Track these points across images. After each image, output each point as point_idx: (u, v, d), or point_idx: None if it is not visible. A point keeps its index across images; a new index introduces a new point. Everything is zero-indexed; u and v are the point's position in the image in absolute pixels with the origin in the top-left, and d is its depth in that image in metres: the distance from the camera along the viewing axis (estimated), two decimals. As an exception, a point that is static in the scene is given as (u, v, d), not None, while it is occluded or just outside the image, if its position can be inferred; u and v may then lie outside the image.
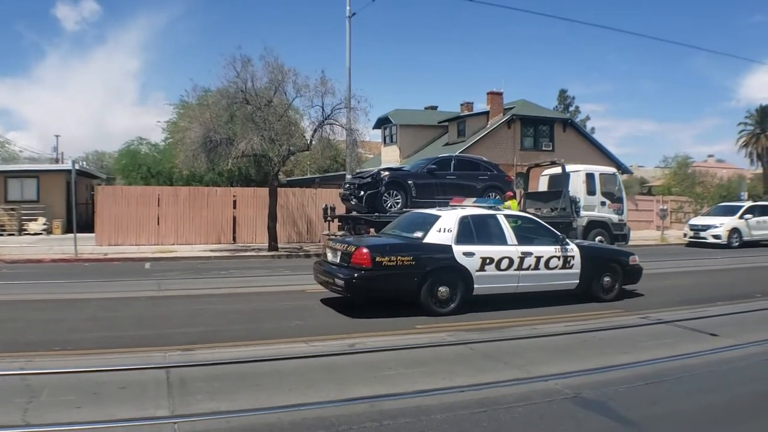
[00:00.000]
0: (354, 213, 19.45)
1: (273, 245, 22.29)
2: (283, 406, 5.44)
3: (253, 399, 5.63)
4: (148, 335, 8.48)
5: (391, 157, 40.59)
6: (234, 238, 25.42)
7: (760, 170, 63.88)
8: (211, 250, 22.06)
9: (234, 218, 25.67)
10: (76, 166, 21.80)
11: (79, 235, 20.43)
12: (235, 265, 18.40)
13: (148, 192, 25.42)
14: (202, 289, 13.25)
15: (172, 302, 11.46)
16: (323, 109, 21.59)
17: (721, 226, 27.36)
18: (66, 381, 6.21)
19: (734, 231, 27.33)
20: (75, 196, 21.48)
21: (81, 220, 22.18)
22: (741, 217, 27.75)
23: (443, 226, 10.43)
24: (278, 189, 23.66)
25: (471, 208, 11.43)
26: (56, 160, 43.54)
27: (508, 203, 18.29)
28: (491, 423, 5.18)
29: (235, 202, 25.78)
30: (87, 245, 21.81)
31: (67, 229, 28.95)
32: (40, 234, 29.01)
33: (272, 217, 22.57)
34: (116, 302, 11.47)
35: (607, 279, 11.68)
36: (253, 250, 22.59)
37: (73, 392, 5.76)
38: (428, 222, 10.73)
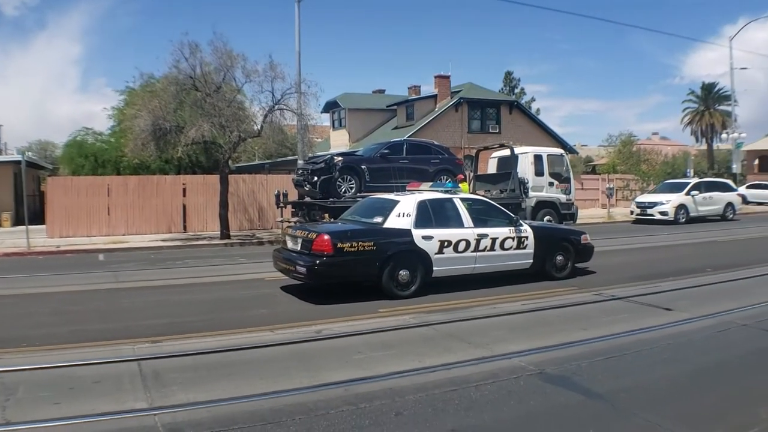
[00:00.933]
0: (308, 199, 19.46)
1: (225, 233, 22.11)
2: (260, 394, 5.53)
3: (229, 388, 5.70)
4: (114, 328, 8.42)
5: (340, 141, 40.56)
6: (185, 227, 25.13)
7: (704, 147, 65.83)
8: (163, 240, 21.78)
9: (184, 206, 25.35)
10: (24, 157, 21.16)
11: (29, 227, 19.90)
12: (188, 255, 18.24)
13: (98, 182, 24.90)
14: (160, 280, 13.14)
15: (133, 294, 11.37)
16: (273, 94, 21.44)
17: (668, 202, 27.96)
18: (40, 377, 6.18)
19: (681, 207, 28.00)
20: (25, 187, 20.89)
21: (29, 212, 21.59)
22: (688, 194, 28.43)
23: (402, 211, 10.60)
24: (229, 176, 23.44)
25: (428, 193, 11.62)
26: (0, 151, 42.13)
27: (458, 186, 18.62)
28: (463, 401, 5.37)
29: (184, 190, 25.44)
30: (38, 237, 21.29)
31: (16, 222, 28.25)
32: (-10, 227, 28.18)
33: (223, 205, 22.37)
34: (77, 295, 11.33)
35: (559, 258, 12.05)
36: (205, 238, 22.38)
37: (49, 388, 5.74)
38: (387, 207, 10.88)
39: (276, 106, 21.61)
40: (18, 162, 23.59)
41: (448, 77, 38.57)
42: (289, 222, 19.17)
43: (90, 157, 33.56)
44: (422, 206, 10.77)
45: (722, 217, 29.38)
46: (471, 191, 20.11)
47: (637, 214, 29.12)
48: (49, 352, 7.12)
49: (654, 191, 31.70)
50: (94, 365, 6.51)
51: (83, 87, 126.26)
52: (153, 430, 4.79)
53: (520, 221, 11.86)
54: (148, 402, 5.38)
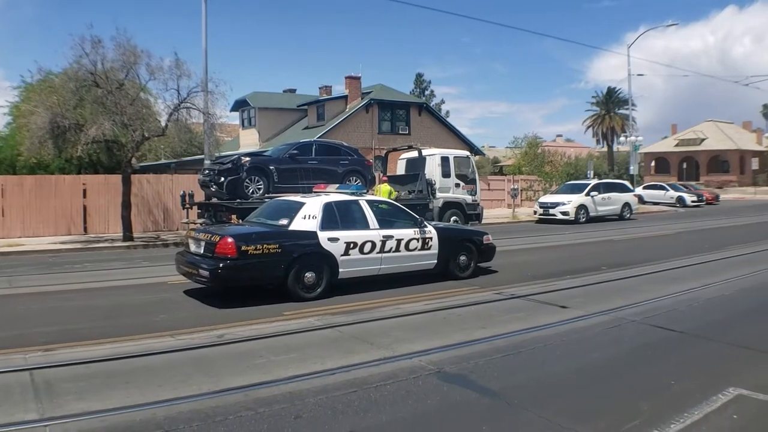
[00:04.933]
0: (215, 200, 19.13)
1: (128, 235, 21.43)
2: (156, 401, 5.43)
3: (125, 397, 5.57)
4: (5, 336, 8.01)
5: (250, 141, 40.07)
6: (85, 229, 24.16)
7: (605, 149, 68.91)
8: (62, 242, 20.90)
9: (84, 207, 24.37)
10: None
11: None
12: (88, 258, 17.58)
13: (-10, 181, 23.58)
14: (56, 285, 12.57)
15: (26, 300, 10.83)
16: (179, 93, 20.96)
17: (569, 203, 29.05)
18: None
19: (581, 207, 29.15)
20: None
21: None
22: (587, 194, 29.66)
23: (308, 213, 10.61)
24: (132, 176, 22.72)
25: (334, 195, 11.68)
26: None
27: (379, 186, 18.93)
28: (362, 402, 5.45)
29: (85, 190, 24.47)
30: None
31: None
32: None
33: (126, 206, 21.65)
34: (-36, 303, 10.67)
35: (463, 258, 12.35)
36: (107, 240, 21.63)
37: (-70, 403, 5.43)
38: (293, 209, 10.86)
39: (182, 105, 21.15)
40: None
41: (358, 78, 38.79)
42: (195, 223, 18.80)
43: (-18, 155, 31.86)
44: (328, 208, 10.82)
45: (620, 217, 30.83)
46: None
47: (540, 215, 30.11)
48: (-68, 363, 6.69)
49: (556, 192, 32.85)
50: (-18, 376, 6.20)
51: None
52: (42, 442, 4.64)
53: (425, 222, 12.08)
54: (39, 413, 5.19)
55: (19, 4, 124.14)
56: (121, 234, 21.69)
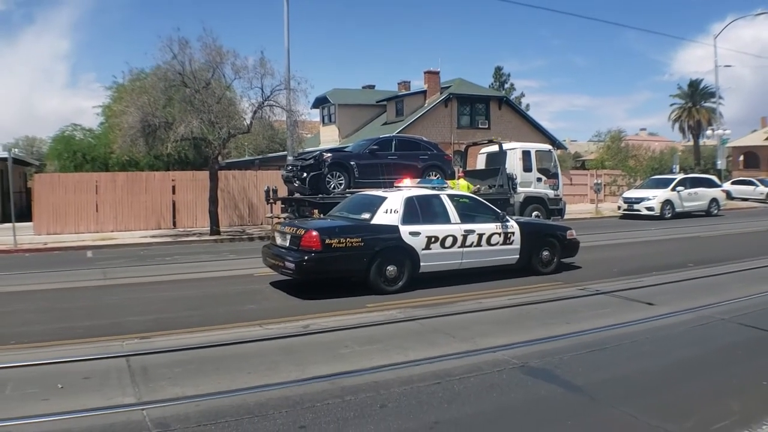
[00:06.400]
0: (297, 195, 19.53)
1: (215, 229, 22.16)
2: (247, 388, 5.62)
3: (217, 383, 5.78)
4: (102, 325, 8.46)
5: (329, 137, 40.61)
6: (174, 223, 25.15)
7: (691, 143, 66.33)
8: (152, 236, 21.79)
9: (173, 203, 25.35)
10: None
11: (16, 224, 19.73)
12: (178, 251, 18.26)
13: (86, 179, 24.83)
14: (149, 277, 13.16)
15: (121, 291, 11.39)
16: (263, 91, 21.56)
17: (654, 198, 28.25)
18: (28, 374, 6.20)
19: (667, 203, 28.27)
20: (11, 184, 20.76)
21: (16, 209, 21.41)
22: (673, 190, 28.72)
23: (390, 207, 10.70)
24: (219, 172, 23.44)
25: (416, 189, 11.74)
26: (-14, 148, 41.85)
27: (456, 182, 18.89)
28: (446, 393, 5.49)
29: (174, 186, 25.44)
30: (25, 235, 21.17)
31: (3, 219, 28.06)
32: (-26, 225, 27.96)
33: (213, 201, 22.40)
34: (64, 293, 11.30)
35: (545, 253, 12.18)
36: (195, 234, 22.40)
37: (37, 385, 5.78)
38: (375, 203, 10.98)
39: (265, 103, 21.70)
40: (4, 159, 23.43)
41: (437, 73, 38.63)
42: (279, 218, 19.25)
43: (77, 153, 33.44)
44: (409, 202, 10.88)
45: (707, 213, 29.70)
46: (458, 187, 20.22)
47: (624, 210, 29.37)
48: (37, 349, 7.13)
49: (641, 187, 31.94)
50: (83, 362, 6.56)
51: (72, 82, 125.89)
52: (141, 424, 4.86)
53: (507, 217, 11.96)
54: (136, 397, 5.46)
55: (108, 8, 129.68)
56: (209, 228, 22.46)
